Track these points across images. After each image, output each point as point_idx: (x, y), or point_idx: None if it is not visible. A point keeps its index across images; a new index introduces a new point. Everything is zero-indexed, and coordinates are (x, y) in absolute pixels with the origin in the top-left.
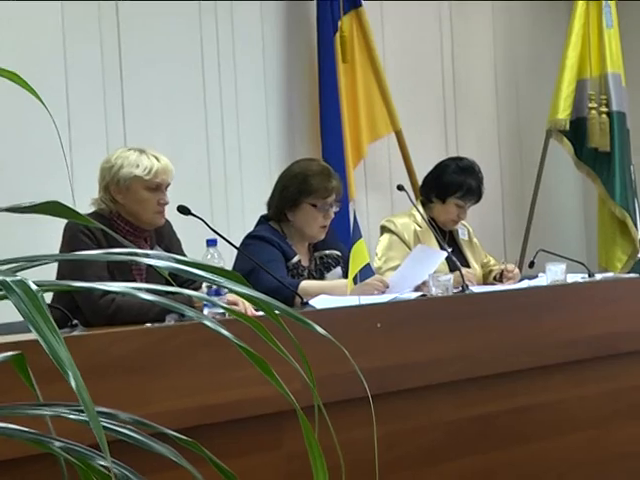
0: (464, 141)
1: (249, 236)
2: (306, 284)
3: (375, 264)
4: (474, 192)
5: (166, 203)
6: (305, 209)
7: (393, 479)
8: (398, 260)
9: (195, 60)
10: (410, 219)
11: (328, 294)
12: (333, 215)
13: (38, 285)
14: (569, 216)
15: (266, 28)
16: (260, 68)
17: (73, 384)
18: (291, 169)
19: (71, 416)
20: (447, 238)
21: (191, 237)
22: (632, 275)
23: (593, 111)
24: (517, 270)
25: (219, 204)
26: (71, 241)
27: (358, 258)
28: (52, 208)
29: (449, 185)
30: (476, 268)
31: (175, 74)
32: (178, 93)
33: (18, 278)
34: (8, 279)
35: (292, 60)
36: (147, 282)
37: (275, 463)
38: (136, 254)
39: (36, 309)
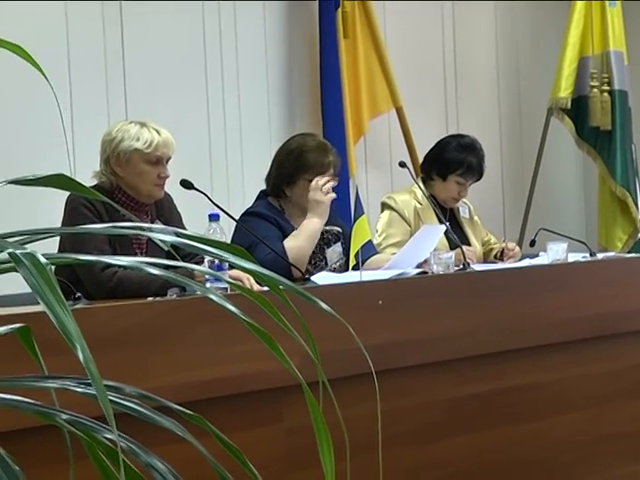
0: (465, 118)
1: (246, 213)
2: (289, 241)
3: (375, 240)
4: (475, 170)
5: (166, 177)
6: (302, 185)
7: (392, 455)
8: (398, 237)
9: (196, 35)
10: (411, 196)
11: (308, 236)
12: (333, 195)
13: (46, 258)
14: (569, 195)
15: (267, 3)
16: (261, 43)
17: (81, 357)
18: (287, 145)
19: (77, 389)
20: (448, 216)
21: (191, 212)
22: (634, 255)
23: (595, 89)
24: (518, 249)
25: (219, 179)
26: (73, 214)
27: (360, 234)
28: (57, 181)
29: (450, 162)
30: (477, 246)
31: (176, 48)
32: (179, 67)
33: (27, 250)
34: (17, 251)
35: (293, 35)
36: (147, 255)
37: (275, 437)
38: (141, 228)
39: (45, 281)
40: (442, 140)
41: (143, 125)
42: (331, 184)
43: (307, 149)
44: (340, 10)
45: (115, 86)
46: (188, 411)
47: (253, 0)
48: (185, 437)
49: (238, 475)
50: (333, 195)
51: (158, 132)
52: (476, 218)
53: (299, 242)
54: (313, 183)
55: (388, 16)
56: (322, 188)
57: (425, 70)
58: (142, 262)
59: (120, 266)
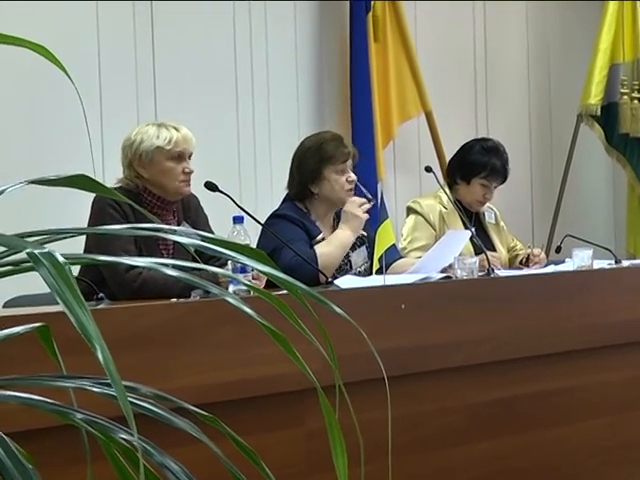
0: (494, 124)
1: (272, 215)
2: (321, 247)
3: (400, 245)
4: (499, 172)
5: (191, 171)
6: (328, 177)
7: (412, 460)
8: (423, 241)
9: (227, 37)
10: (436, 200)
11: (340, 244)
12: (355, 177)
13: (65, 258)
14: (598, 201)
15: (298, 6)
16: (292, 47)
17: (100, 357)
18: (303, 144)
19: (94, 389)
20: (473, 221)
21: (219, 213)
22: None
23: (625, 96)
24: (543, 255)
25: (248, 182)
26: (99, 214)
27: (384, 238)
28: (78, 181)
29: (473, 165)
30: (502, 251)
31: (207, 50)
32: (209, 70)
33: (46, 250)
34: (36, 251)
35: (324, 39)
36: (174, 257)
37: (296, 440)
38: (162, 230)
39: (64, 281)
40: (466, 144)
41: (160, 125)
42: (368, 206)
43: (325, 141)
44: (371, 14)
45: (145, 86)
46: (204, 412)
47: (284, 0)
48: (199, 438)
49: (255, 478)
50: (367, 216)
51: (176, 129)
52: (502, 224)
53: (330, 249)
54: (354, 197)
55: (419, 16)
56: (361, 205)
57: (455, 72)
58: (160, 263)
59: (139, 267)
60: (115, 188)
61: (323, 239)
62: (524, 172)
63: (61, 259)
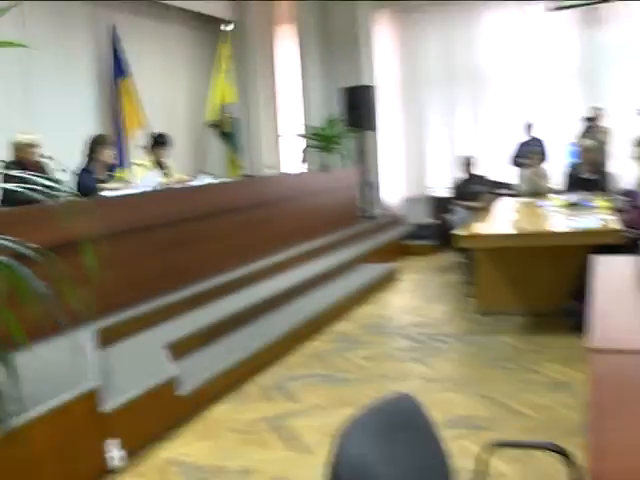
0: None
1: (80, 169)
2: (104, 185)
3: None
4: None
5: (40, 154)
6: (100, 152)
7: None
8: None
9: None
10: (147, 158)
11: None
12: (114, 153)
13: None
14: (216, 158)
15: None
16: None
17: None
18: (91, 138)
19: None
20: (165, 168)
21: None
22: (235, 179)
23: (225, 117)
24: (190, 178)
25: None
26: None
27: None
28: None
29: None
30: (175, 178)
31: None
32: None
33: None
34: None
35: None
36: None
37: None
38: None
39: None
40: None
41: (27, 135)
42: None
43: (99, 136)
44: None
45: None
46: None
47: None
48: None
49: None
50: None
51: (31, 136)
52: (172, 167)
53: (110, 186)
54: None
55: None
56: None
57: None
58: None
59: None
60: (11, 161)
61: (99, 177)
62: (185, 145)
63: None
